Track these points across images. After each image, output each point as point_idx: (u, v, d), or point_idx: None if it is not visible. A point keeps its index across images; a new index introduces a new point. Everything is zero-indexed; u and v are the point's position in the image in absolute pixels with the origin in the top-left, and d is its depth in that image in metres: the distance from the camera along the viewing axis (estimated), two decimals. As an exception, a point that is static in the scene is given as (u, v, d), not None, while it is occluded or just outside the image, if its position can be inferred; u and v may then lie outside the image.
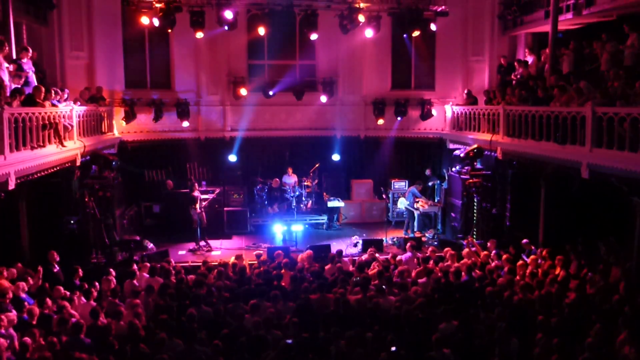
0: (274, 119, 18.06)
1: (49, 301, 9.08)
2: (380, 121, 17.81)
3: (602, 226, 12.32)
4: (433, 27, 16.15)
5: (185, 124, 17.03)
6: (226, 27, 15.28)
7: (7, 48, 10.95)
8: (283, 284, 10.58)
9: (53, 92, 11.89)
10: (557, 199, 13.28)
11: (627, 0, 11.96)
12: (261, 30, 15.61)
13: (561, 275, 10.60)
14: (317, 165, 17.57)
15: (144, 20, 14.97)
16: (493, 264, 11.41)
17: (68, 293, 9.56)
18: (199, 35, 15.31)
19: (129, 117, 16.42)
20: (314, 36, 15.98)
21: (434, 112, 17.79)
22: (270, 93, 17.16)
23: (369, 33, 16.11)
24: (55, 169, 11.57)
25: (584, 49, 13.63)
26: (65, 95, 12.78)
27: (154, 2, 14.54)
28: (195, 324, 8.20)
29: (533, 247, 12.36)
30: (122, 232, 14.75)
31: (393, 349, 7.38)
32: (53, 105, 11.45)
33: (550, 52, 13.70)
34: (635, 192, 9.74)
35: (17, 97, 10.16)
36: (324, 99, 17.49)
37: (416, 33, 16.13)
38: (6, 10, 11.78)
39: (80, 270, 10.72)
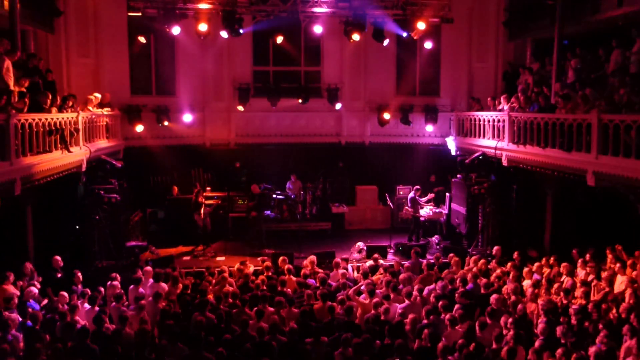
0: (278, 125, 18.07)
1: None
2: (384, 126, 17.87)
3: (608, 233, 12.26)
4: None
5: (191, 129, 17.09)
6: (224, 34, 15.25)
7: (17, 54, 11.02)
8: (287, 289, 10.55)
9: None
10: (563, 206, 13.23)
11: (632, 8, 11.94)
12: (279, 39, 15.59)
13: (567, 283, 10.56)
14: (322, 172, 17.58)
15: (141, 39, 15.15)
16: (499, 271, 11.36)
17: (74, 298, 9.57)
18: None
19: (135, 123, 16.49)
20: (317, 28, 15.63)
21: (438, 118, 17.80)
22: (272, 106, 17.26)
23: (385, 42, 16.03)
24: (61, 174, 11.62)
25: (589, 56, 13.58)
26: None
27: (159, 9, 14.57)
28: (200, 330, 8.20)
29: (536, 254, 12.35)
30: (127, 237, 14.76)
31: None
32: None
33: (556, 59, 13.67)
34: (641, 200, 9.70)
35: (25, 102, 10.22)
36: (338, 106, 17.53)
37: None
38: (13, 17, 11.87)
39: (79, 274, 10.67)
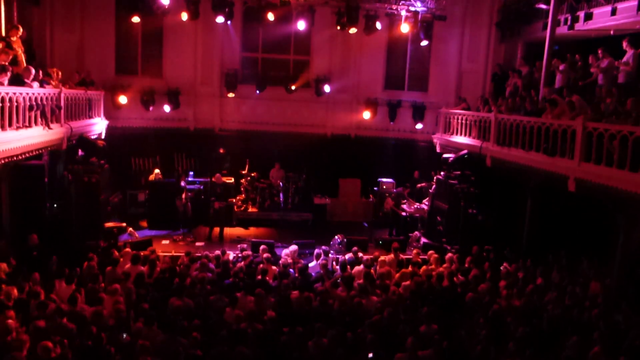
0: (265, 114, 17.92)
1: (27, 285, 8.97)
2: (371, 119, 17.91)
3: (585, 240, 12.43)
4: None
5: (175, 113, 16.91)
6: (220, 19, 15.08)
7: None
8: (268, 278, 10.52)
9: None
10: (542, 210, 13.37)
11: (624, 19, 12.01)
12: (270, 16, 15.41)
13: (542, 286, 10.69)
14: (305, 163, 17.53)
15: (135, 19, 15.08)
16: (475, 270, 11.45)
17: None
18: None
19: (118, 103, 16.23)
20: (300, 25, 15.74)
21: (425, 114, 17.85)
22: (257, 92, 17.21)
23: (378, 26, 15.99)
24: (40, 151, 11.40)
25: (578, 63, 13.68)
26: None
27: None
28: (176, 315, 8.15)
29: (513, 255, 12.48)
30: (106, 218, 14.58)
31: (370, 355, 7.36)
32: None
33: (546, 63, 13.75)
34: (619, 210, 9.82)
35: (4, 74, 9.96)
36: (327, 88, 17.44)
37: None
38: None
39: (55, 258, 10.52)
